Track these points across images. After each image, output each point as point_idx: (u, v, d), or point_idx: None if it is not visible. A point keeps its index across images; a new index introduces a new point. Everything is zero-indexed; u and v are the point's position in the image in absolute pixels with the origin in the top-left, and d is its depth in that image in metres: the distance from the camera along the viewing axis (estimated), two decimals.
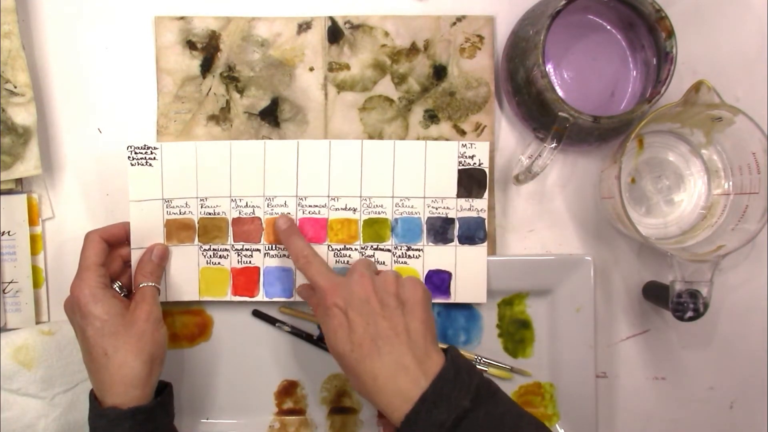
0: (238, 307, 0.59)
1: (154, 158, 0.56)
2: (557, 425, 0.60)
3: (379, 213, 0.58)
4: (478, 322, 0.60)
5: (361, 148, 0.57)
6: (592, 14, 0.58)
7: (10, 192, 0.58)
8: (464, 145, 0.58)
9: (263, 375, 0.60)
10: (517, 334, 0.60)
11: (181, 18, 0.59)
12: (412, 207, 0.58)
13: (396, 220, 0.58)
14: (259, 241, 0.58)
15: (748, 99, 0.60)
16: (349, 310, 0.48)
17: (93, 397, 0.51)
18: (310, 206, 0.58)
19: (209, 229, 0.57)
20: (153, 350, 0.51)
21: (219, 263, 0.58)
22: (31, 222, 0.58)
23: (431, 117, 0.60)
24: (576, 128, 0.54)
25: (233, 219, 0.58)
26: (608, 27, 0.58)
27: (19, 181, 0.58)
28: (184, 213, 0.57)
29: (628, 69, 0.58)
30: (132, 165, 0.56)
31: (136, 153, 0.56)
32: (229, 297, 0.58)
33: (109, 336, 0.50)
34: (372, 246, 0.58)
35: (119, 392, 0.49)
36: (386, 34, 0.60)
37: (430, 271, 0.58)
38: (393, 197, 0.58)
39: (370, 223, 0.58)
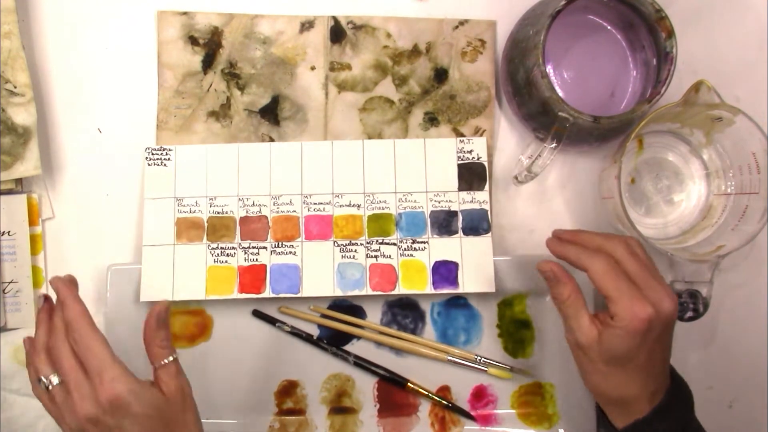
0: (238, 307, 0.59)
1: (169, 159, 0.59)
2: (557, 425, 0.60)
3: (382, 208, 0.59)
4: (478, 322, 0.60)
5: (362, 148, 0.58)
6: (592, 14, 0.58)
7: (10, 192, 0.58)
8: (462, 141, 0.59)
9: (263, 375, 0.60)
10: (517, 334, 0.60)
11: (184, 13, 0.59)
12: (415, 201, 0.59)
13: (400, 214, 0.59)
14: (266, 239, 0.58)
15: (748, 99, 0.60)
16: None
17: None
18: (315, 204, 0.58)
19: (217, 228, 0.58)
20: None
21: (226, 261, 0.58)
22: (31, 222, 0.58)
23: (431, 119, 0.60)
24: (576, 128, 0.54)
25: (241, 218, 0.58)
26: (608, 27, 0.58)
27: (19, 181, 0.58)
28: (194, 212, 0.58)
29: (628, 69, 0.58)
30: (149, 165, 0.58)
31: (153, 154, 0.59)
32: (236, 294, 0.58)
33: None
34: (377, 240, 0.58)
35: None
36: (388, 35, 0.60)
37: (437, 262, 0.58)
38: (396, 193, 0.59)
39: (374, 219, 0.58)
